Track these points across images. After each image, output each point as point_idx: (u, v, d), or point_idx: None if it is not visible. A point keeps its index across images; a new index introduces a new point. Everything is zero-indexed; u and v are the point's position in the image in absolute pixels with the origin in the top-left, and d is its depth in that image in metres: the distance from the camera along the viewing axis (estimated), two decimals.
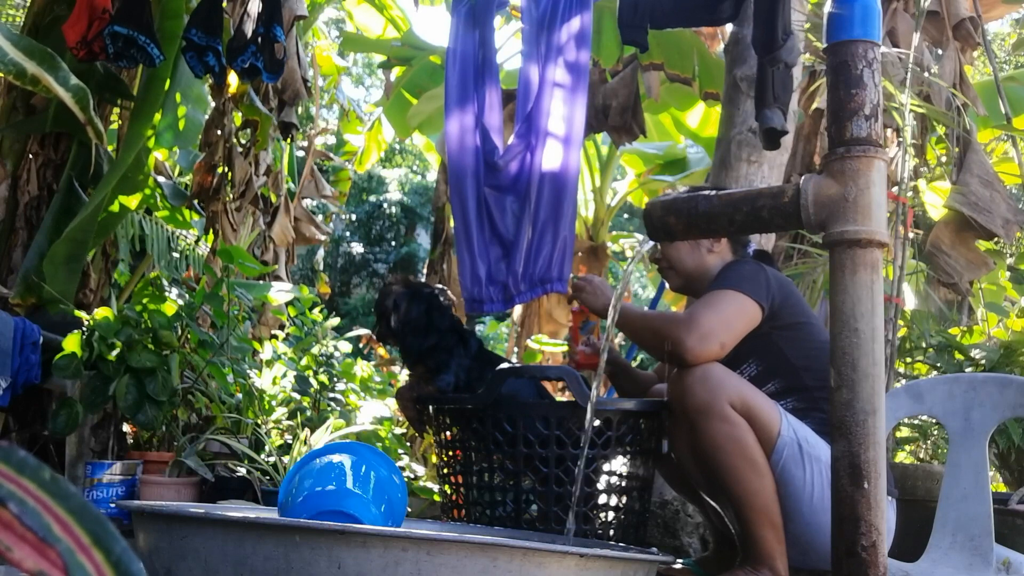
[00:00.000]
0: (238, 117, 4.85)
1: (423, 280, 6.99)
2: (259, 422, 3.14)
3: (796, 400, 1.98)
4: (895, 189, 3.37)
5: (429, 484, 3.16)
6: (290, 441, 3.07)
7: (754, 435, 1.83)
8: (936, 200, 4.42)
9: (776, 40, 2.42)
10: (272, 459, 2.86)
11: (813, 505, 1.84)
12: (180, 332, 3.02)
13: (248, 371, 3.23)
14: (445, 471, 2.19)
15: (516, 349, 7.50)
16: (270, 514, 1.84)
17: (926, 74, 3.79)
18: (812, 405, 1.95)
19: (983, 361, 3.35)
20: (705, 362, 1.87)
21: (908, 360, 3.59)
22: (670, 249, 2.18)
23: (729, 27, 3.42)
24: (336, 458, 1.67)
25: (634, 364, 2.70)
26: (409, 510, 2.93)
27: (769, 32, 2.44)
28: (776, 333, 1.99)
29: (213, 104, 4.70)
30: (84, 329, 2.77)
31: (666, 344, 1.91)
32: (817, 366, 1.97)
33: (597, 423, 1.97)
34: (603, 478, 2.03)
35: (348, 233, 17.45)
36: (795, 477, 1.85)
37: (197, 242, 5.55)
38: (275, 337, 4.23)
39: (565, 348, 6.49)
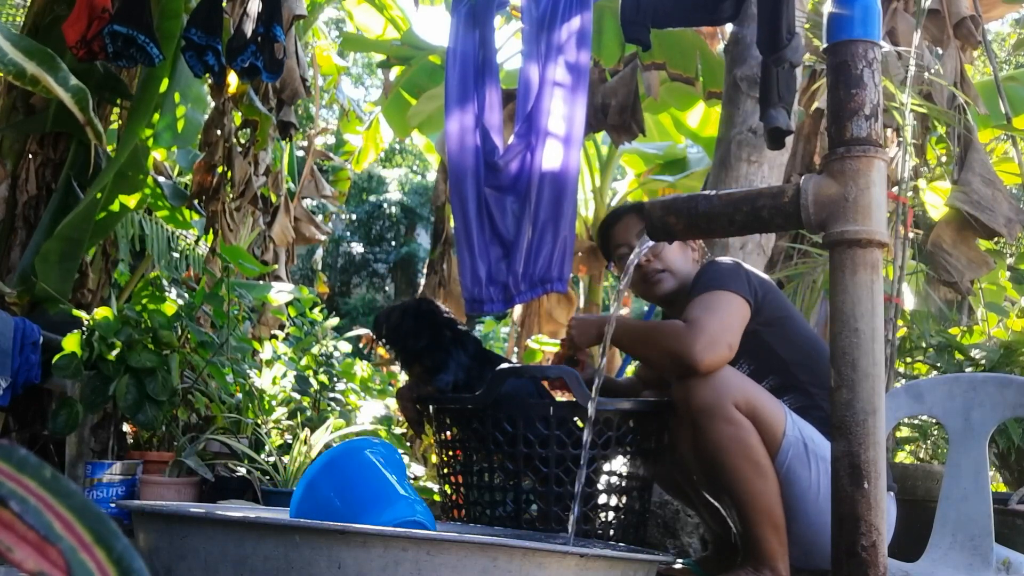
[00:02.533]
0: (238, 117, 4.85)
1: (423, 280, 7.00)
2: (259, 422, 3.14)
3: (793, 398, 1.97)
4: (895, 189, 3.37)
5: (429, 484, 3.16)
6: (290, 441, 3.07)
7: (758, 436, 1.82)
8: (936, 200, 4.42)
9: (781, 40, 2.42)
10: (272, 459, 2.86)
11: (819, 505, 1.83)
12: (180, 332, 3.02)
13: (248, 371, 3.23)
14: (445, 471, 2.19)
15: (516, 349, 7.50)
16: (270, 514, 1.84)
17: (926, 74, 3.78)
18: (811, 403, 1.95)
19: (983, 361, 3.35)
20: (717, 368, 1.85)
21: (908, 360, 3.59)
22: (667, 252, 2.15)
23: (729, 26, 3.42)
24: (363, 460, 1.66)
25: (631, 369, 2.67)
26: None
27: (773, 32, 2.44)
28: (763, 330, 1.98)
29: (212, 104, 4.70)
30: (84, 329, 2.77)
31: (671, 357, 1.88)
32: (806, 360, 1.97)
33: (600, 422, 1.97)
34: (603, 478, 2.03)
35: (348, 233, 17.46)
36: (800, 477, 1.84)
37: (197, 242, 5.55)
38: (275, 337, 4.23)
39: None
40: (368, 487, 1.62)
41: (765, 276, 2.10)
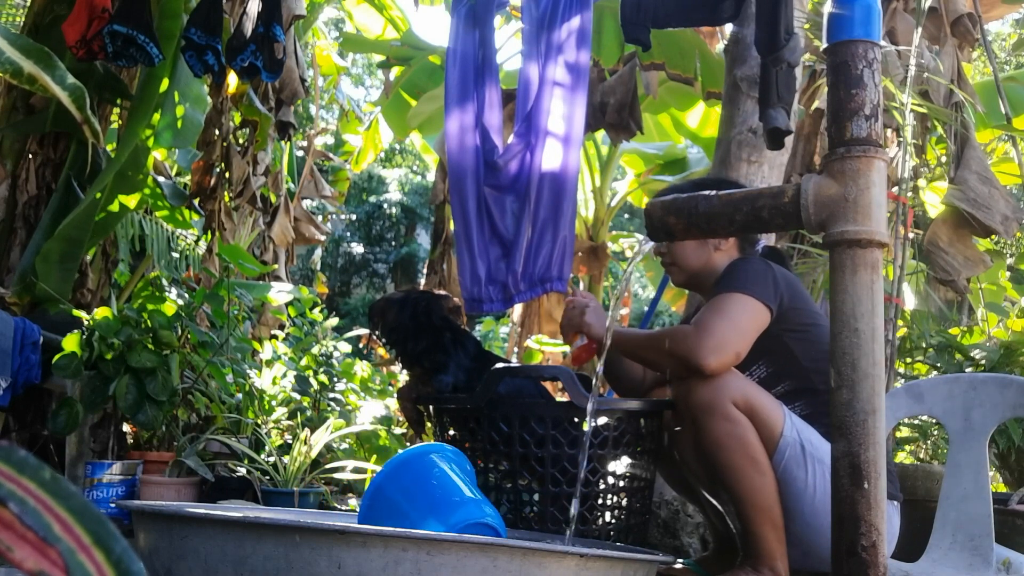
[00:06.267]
0: (236, 116, 4.85)
1: (423, 280, 7.00)
2: (259, 422, 3.14)
3: (804, 405, 1.96)
4: (895, 189, 3.37)
5: None
6: (290, 441, 3.07)
7: (756, 434, 1.83)
8: (936, 200, 4.41)
9: (779, 40, 2.42)
10: (272, 459, 2.86)
11: (815, 507, 1.83)
12: (180, 332, 3.02)
13: (248, 371, 3.23)
14: None
15: (516, 349, 7.49)
16: (270, 514, 1.83)
17: (925, 74, 3.78)
18: (822, 410, 1.93)
19: (983, 361, 3.35)
20: (722, 372, 1.84)
21: (908, 360, 3.59)
22: (675, 246, 2.15)
23: (729, 26, 3.42)
24: (430, 463, 1.65)
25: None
26: None
27: (771, 32, 2.44)
28: (787, 335, 1.97)
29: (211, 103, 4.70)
30: (84, 329, 2.77)
31: (677, 360, 1.88)
32: (827, 368, 1.95)
33: (597, 422, 1.97)
34: (603, 478, 2.03)
35: (348, 233, 17.47)
36: (796, 478, 1.84)
37: (197, 242, 5.55)
38: (275, 337, 4.23)
39: (565, 348, 6.49)
40: (436, 490, 1.60)
41: (797, 280, 2.07)
